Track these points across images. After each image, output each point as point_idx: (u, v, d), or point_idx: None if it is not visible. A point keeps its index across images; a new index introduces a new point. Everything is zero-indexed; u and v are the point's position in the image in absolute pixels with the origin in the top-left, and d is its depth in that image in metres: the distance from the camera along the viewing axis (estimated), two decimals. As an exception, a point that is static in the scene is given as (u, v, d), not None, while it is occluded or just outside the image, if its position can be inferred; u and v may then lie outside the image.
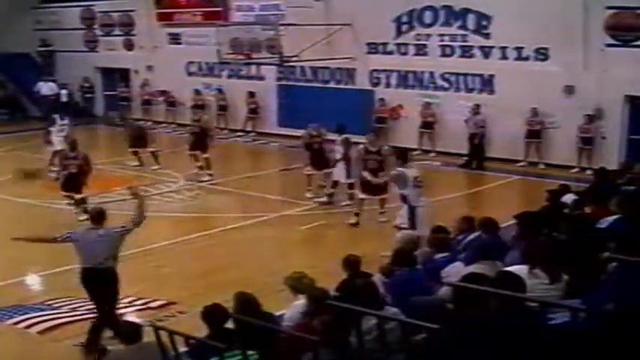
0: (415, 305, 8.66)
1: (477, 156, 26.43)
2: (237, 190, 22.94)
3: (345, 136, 20.91)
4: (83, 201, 19.52)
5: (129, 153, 26.77)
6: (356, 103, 28.70)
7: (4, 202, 21.26)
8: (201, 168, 24.78)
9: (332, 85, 31.13)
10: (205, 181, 24.22)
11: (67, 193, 19.45)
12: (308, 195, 21.45)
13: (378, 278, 10.15)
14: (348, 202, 20.61)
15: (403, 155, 16.38)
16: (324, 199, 21.19)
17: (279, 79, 32.72)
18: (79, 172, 19.36)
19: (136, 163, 26.55)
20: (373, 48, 29.58)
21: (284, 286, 9.98)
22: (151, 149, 26.76)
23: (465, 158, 26.62)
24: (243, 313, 8.56)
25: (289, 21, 28.78)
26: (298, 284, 9.75)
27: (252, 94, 33.39)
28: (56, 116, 26.49)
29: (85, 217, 19.32)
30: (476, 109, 26.61)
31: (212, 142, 24.99)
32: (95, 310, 11.88)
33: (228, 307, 8.71)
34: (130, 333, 8.77)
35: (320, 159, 21.38)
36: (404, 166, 15.94)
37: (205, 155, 24.63)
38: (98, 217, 11.88)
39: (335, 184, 21.18)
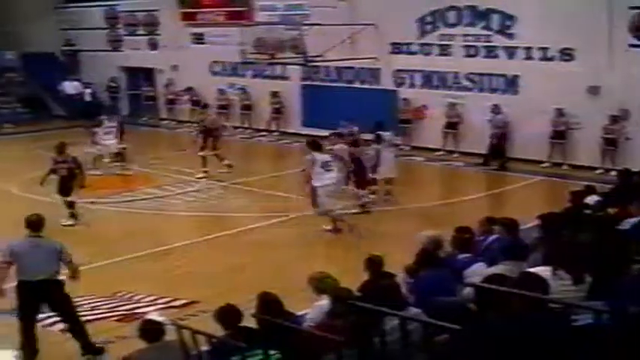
0: (438, 306, 8.65)
1: (495, 156, 26.33)
2: (260, 190, 22.95)
3: (377, 133, 21.29)
4: (71, 205, 19.54)
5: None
6: (380, 103, 28.61)
7: (30, 200, 21.38)
8: (228, 166, 24.94)
9: (356, 85, 31.14)
10: (200, 178, 24.45)
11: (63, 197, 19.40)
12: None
13: (401, 278, 10.14)
14: (369, 199, 20.84)
15: (315, 144, 18.68)
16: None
17: (303, 79, 32.76)
18: (70, 175, 19.29)
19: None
20: (397, 48, 29.56)
21: (307, 285, 9.97)
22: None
23: (484, 158, 26.57)
24: (265, 313, 8.57)
25: (313, 21, 28.77)
26: (321, 284, 9.72)
27: (276, 94, 33.46)
28: (103, 117, 26.42)
29: (70, 222, 19.31)
30: (496, 109, 26.56)
31: (218, 140, 25.27)
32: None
33: (245, 308, 8.71)
34: (153, 331, 8.79)
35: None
36: (316, 152, 18.36)
37: (202, 153, 24.91)
38: (37, 224, 11.63)
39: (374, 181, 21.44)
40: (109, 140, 25.04)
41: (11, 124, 37.09)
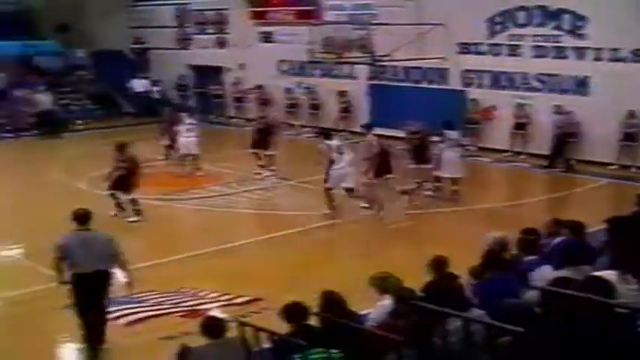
0: (502, 308, 8.56)
1: (558, 157, 26.01)
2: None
3: (442, 132, 21.41)
4: (134, 202, 19.77)
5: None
6: (447, 103, 28.44)
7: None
8: (262, 166, 24.96)
9: (423, 84, 31.02)
10: (268, 176, 24.49)
11: (112, 191, 19.64)
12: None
13: (465, 280, 10.06)
14: (432, 194, 21.39)
15: (325, 133, 21.40)
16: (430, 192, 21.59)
17: (370, 78, 32.71)
18: (128, 174, 19.55)
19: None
20: (465, 48, 29.38)
21: (370, 285, 9.93)
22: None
23: (549, 160, 26.25)
24: (328, 312, 8.57)
25: (381, 20, 28.69)
26: (384, 284, 9.69)
27: (343, 93, 33.47)
28: (183, 114, 26.54)
29: (135, 218, 19.51)
30: (558, 109, 26.26)
31: (276, 139, 25.39)
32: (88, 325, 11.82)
33: (311, 306, 8.71)
34: (215, 328, 8.82)
35: (420, 154, 21.27)
36: (328, 140, 20.40)
37: (269, 153, 24.90)
38: (84, 217, 11.72)
39: (438, 179, 21.62)
40: (192, 137, 25.11)
41: (82, 120, 37.63)
